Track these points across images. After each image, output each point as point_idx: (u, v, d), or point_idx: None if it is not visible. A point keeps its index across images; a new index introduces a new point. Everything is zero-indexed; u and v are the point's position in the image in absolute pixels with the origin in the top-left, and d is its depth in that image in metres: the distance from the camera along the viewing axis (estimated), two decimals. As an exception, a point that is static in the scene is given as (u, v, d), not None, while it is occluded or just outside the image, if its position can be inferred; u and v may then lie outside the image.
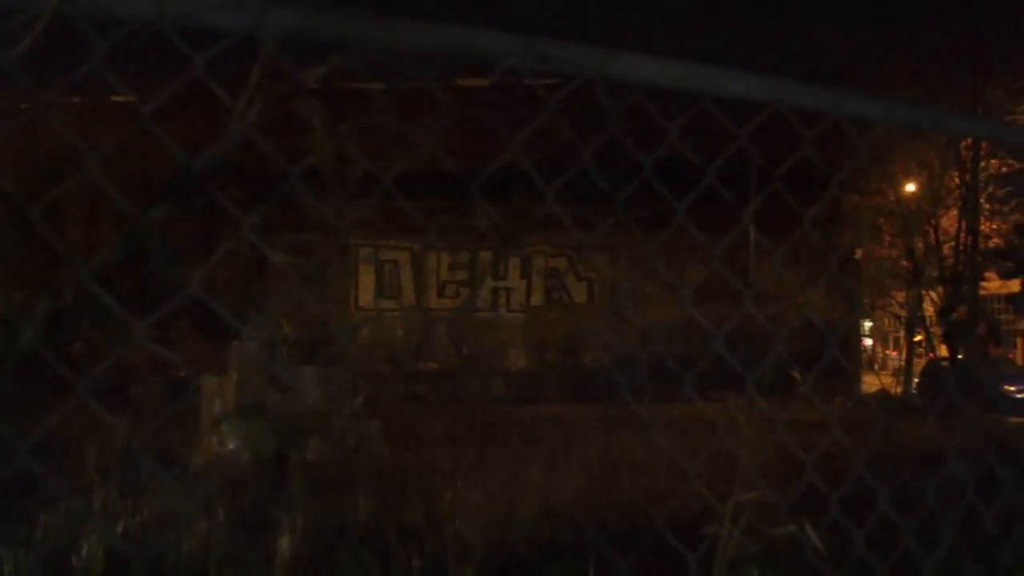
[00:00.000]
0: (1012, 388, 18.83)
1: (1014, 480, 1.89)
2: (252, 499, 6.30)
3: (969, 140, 18.09)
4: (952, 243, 20.84)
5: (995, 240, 20.42)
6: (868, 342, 37.33)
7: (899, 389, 22.23)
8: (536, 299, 22.56)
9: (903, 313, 23.97)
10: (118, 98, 14.69)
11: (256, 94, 5.51)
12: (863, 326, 32.77)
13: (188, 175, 5.66)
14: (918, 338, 23.43)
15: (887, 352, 38.96)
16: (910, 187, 21.74)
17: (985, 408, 15.20)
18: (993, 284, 22.94)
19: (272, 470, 7.60)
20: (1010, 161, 19.67)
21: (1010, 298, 23.60)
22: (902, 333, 28.44)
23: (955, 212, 21.03)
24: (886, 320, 32.09)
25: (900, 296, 24.15)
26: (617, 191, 1.35)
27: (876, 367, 31.74)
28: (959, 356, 19.56)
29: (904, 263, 21.94)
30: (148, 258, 10.63)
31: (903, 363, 24.82)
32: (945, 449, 1.98)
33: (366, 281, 22.03)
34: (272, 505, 5.91)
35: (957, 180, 20.71)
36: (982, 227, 20.51)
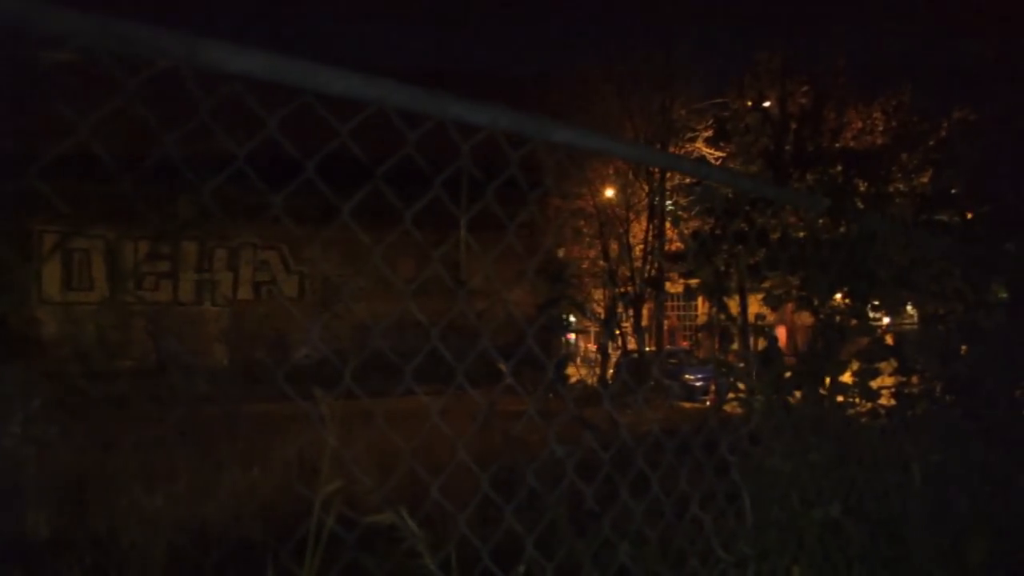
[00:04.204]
0: (692, 377, 20.72)
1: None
2: None
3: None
4: (642, 246, 22.79)
5: (676, 244, 22.52)
6: (572, 336, 39.68)
7: (594, 380, 23.89)
8: (244, 293, 21.73)
9: (600, 310, 25.79)
10: None
11: None
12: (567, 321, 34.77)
13: None
14: (617, 332, 25.30)
15: (588, 346, 41.56)
16: (608, 193, 23.47)
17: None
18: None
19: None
20: (691, 174, 21.70)
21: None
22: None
23: (644, 218, 22.99)
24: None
25: (598, 294, 25.95)
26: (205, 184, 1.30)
27: (579, 360, 33.81)
28: (647, 349, 21.40)
29: (601, 263, 23.64)
30: None
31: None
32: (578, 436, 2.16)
33: (51, 271, 19.89)
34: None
35: (647, 189, 22.65)
36: (667, 232, 22.58)
